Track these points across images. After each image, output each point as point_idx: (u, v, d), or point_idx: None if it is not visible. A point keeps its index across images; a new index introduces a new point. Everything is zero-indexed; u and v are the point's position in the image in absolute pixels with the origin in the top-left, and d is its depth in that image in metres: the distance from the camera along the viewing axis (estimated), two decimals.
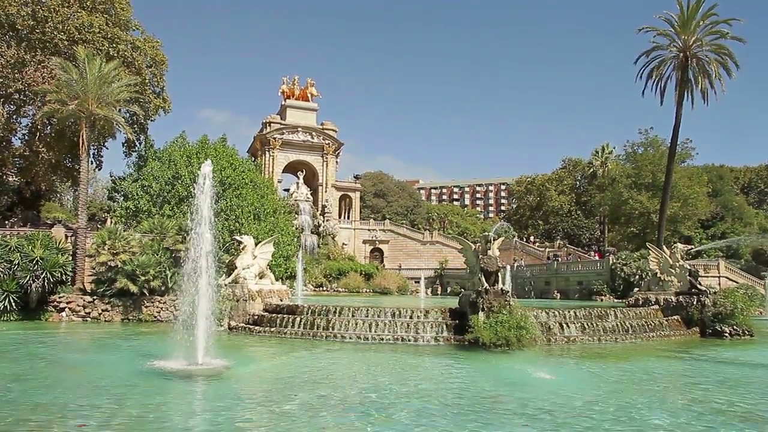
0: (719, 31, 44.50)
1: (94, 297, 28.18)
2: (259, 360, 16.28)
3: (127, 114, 43.60)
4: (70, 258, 29.31)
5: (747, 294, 30.03)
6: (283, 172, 75.78)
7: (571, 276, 53.42)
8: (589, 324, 21.46)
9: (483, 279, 19.71)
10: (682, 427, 8.79)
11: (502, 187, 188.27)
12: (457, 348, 18.28)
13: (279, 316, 22.74)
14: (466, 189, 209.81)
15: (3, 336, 20.70)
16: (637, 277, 42.32)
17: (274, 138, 74.05)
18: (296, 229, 61.99)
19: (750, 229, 71.81)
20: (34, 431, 8.21)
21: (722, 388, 12.47)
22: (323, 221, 72.26)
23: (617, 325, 22.07)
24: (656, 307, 25.72)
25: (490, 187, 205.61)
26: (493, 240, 20.48)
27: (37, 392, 10.86)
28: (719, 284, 42.99)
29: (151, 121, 50.34)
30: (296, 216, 66.98)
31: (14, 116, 44.81)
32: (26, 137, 46.67)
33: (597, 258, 62.24)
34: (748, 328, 23.83)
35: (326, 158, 76.97)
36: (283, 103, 78.87)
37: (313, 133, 76.63)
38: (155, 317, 27.93)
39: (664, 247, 31.02)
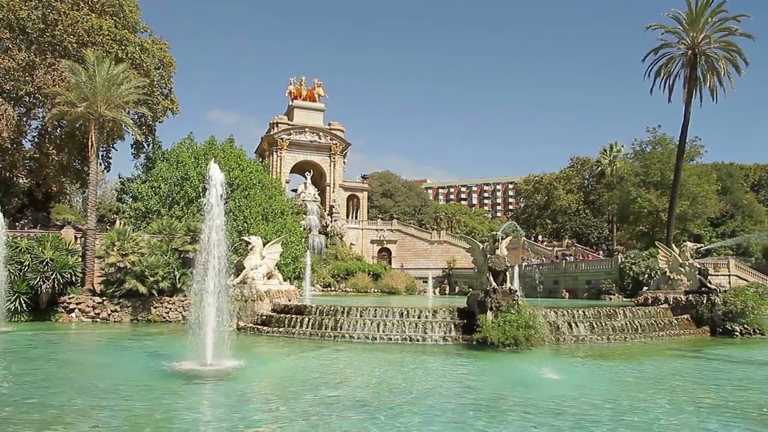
0: (728, 27, 44.15)
1: (104, 298, 28.36)
2: (268, 360, 16.32)
3: (136, 116, 43.85)
4: (80, 259, 29.50)
5: (758, 292, 29.78)
6: (290, 172, 75.94)
7: (579, 275, 53.24)
8: (598, 323, 21.35)
9: (491, 278, 19.68)
10: (694, 427, 8.75)
11: (510, 186, 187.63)
12: (465, 348, 18.25)
13: (287, 316, 22.79)
14: (474, 188, 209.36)
15: (14, 337, 20.88)
16: (646, 275, 42.13)
17: (282, 138, 74.23)
18: (304, 229, 62.15)
19: (760, 227, 71.15)
20: None
21: (734, 387, 12.38)
22: (331, 221, 72.38)
23: (626, 324, 21.95)
24: (666, 306, 25.56)
25: (498, 187, 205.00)
26: (501, 239, 20.42)
27: (49, 393, 10.95)
28: (729, 283, 42.67)
29: (159, 122, 50.69)
30: (304, 216, 67.15)
31: (24, 118, 45.18)
32: (36, 139, 47.07)
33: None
34: (759, 326, 23.64)
35: (333, 158, 77.07)
36: (290, 103, 79.04)
37: (321, 134, 76.75)
38: (164, 318, 28.08)
39: (674, 245, 30.81)
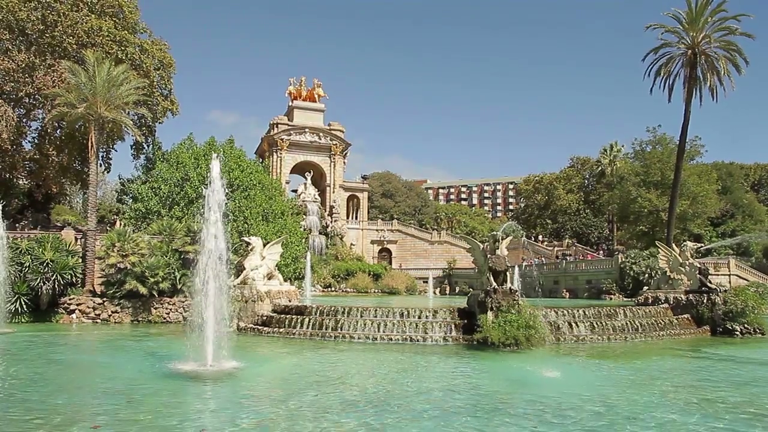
0: (728, 27, 44.12)
1: (104, 299, 28.35)
2: (268, 361, 16.32)
3: (135, 116, 43.87)
4: (80, 260, 29.48)
5: (758, 292, 29.75)
6: (290, 173, 75.91)
7: (579, 275, 53.20)
8: (598, 323, 21.35)
9: (491, 278, 19.66)
10: (695, 427, 8.73)
11: (510, 186, 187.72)
12: (465, 348, 18.25)
13: (288, 316, 22.78)
14: (474, 188, 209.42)
15: (15, 338, 20.87)
16: (647, 275, 42.11)
17: (282, 139, 74.23)
18: (304, 230, 62.14)
19: (761, 226, 71.12)
20: None
21: (734, 387, 12.38)
22: (331, 222, 72.38)
23: (627, 324, 21.94)
24: (666, 305, 25.56)
25: (498, 187, 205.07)
26: (502, 239, 20.41)
27: (50, 394, 10.95)
28: (730, 282, 42.63)
29: (159, 123, 50.78)
30: (304, 217, 67.14)
31: (24, 120, 45.20)
32: (36, 141, 47.11)
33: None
34: (760, 326, 23.64)
35: (334, 159, 77.07)
36: (290, 104, 79.03)
37: (321, 134, 76.74)
38: (165, 318, 28.07)
39: (674, 245, 30.81)
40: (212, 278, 13.82)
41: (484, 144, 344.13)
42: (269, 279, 26.11)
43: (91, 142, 31.82)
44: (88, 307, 27.92)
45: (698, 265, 26.31)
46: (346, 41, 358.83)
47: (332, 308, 22.41)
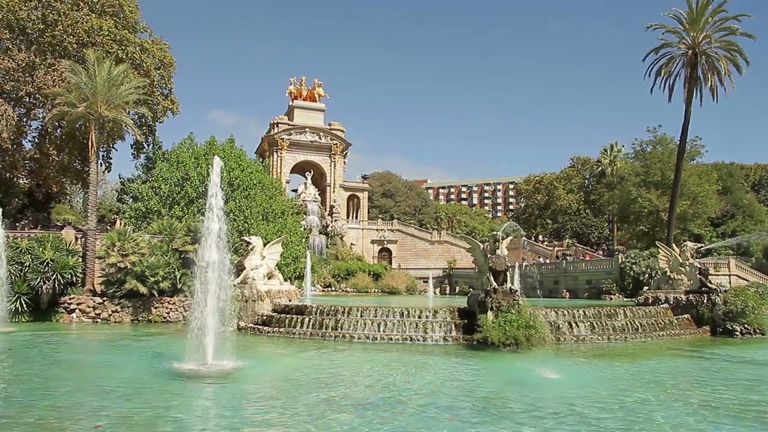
0: (729, 27, 44.12)
1: (104, 298, 28.34)
2: (268, 360, 16.32)
3: (136, 116, 43.83)
4: (80, 260, 29.47)
5: (758, 292, 29.76)
6: (291, 172, 75.94)
7: (580, 275, 53.18)
8: (598, 323, 21.35)
9: (491, 278, 19.65)
10: (695, 427, 8.74)
11: (510, 186, 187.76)
12: (465, 348, 18.24)
13: (288, 316, 22.77)
14: (474, 188, 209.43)
15: (15, 337, 20.88)
16: (647, 275, 42.08)
17: (282, 139, 74.24)
18: (305, 229, 62.15)
19: (761, 226, 71.02)
20: None
21: (734, 387, 12.38)
22: (331, 221, 72.40)
23: (627, 324, 21.94)
24: (666, 305, 25.55)
25: (498, 187, 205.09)
26: (502, 239, 20.40)
27: (50, 394, 10.95)
28: (730, 282, 42.66)
29: (160, 122, 50.75)
30: (304, 216, 67.17)
31: (25, 119, 45.16)
32: (36, 140, 47.08)
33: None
34: (760, 326, 23.65)
35: (334, 158, 77.08)
36: (290, 103, 79.03)
37: (321, 134, 76.76)
38: (165, 318, 28.07)
39: (674, 245, 30.81)
40: (212, 278, 13.82)
41: (484, 144, 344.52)
42: (269, 278, 26.11)
43: (92, 142, 31.81)
44: (89, 307, 27.91)
45: (698, 266, 26.32)
46: (346, 41, 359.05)
47: (332, 308, 22.40)
